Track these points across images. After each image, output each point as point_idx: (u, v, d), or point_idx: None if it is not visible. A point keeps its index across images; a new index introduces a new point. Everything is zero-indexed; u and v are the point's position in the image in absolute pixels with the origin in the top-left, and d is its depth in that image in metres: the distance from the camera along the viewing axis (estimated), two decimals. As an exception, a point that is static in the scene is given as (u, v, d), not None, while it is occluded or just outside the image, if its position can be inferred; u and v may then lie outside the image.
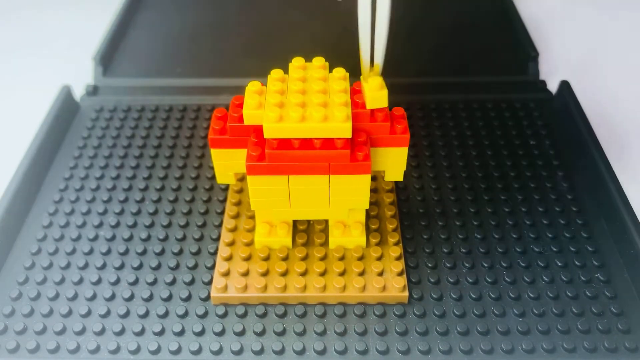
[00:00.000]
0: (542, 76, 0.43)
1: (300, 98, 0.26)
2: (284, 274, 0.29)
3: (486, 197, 0.34)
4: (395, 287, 0.28)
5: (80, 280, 0.30)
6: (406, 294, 0.28)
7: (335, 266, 0.29)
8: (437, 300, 0.29)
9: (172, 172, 0.36)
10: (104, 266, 0.31)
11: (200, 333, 0.28)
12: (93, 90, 0.42)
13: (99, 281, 0.30)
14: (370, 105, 0.26)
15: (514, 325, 0.28)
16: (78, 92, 0.42)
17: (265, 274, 0.29)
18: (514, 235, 0.32)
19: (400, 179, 0.29)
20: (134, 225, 0.33)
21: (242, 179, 0.34)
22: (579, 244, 0.31)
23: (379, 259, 0.30)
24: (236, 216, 0.32)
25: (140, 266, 0.31)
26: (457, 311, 0.28)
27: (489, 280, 0.30)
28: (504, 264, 0.30)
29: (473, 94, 0.41)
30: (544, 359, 0.27)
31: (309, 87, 0.27)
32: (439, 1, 0.51)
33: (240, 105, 0.28)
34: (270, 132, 0.26)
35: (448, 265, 0.31)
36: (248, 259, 0.30)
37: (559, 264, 0.30)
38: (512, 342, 0.27)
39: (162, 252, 0.32)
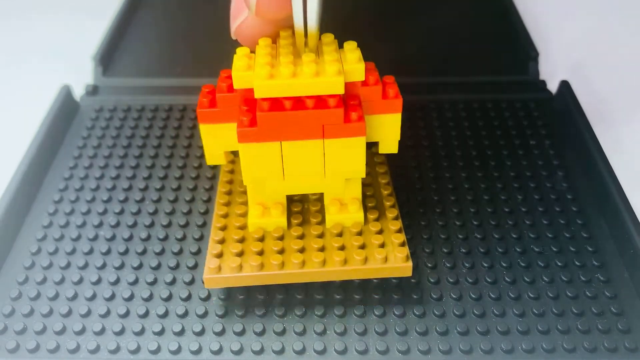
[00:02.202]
0: (542, 76, 0.43)
1: (291, 58, 0.26)
2: (281, 251, 0.28)
3: (486, 197, 0.34)
4: (399, 256, 0.28)
5: (80, 280, 0.30)
6: (410, 264, 0.28)
7: (334, 241, 0.29)
8: (437, 300, 0.29)
9: (172, 172, 0.36)
10: (103, 266, 0.31)
11: (200, 333, 0.28)
12: (93, 90, 0.42)
13: (98, 281, 0.30)
14: (346, 78, 0.26)
15: (514, 325, 0.28)
16: (78, 92, 0.42)
17: (260, 252, 0.28)
18: (514, 235, 0.32)
19: (395, 150, 0.29)
20: (134, 225, 0.33)
21: (232, 161, 0.33)
22: (579, 244, 0.31)
23: (379, 232, 0.29)
24: (227, 204, 0.31)
25: (140, 266, 0.31)
26: (457, 311, 0.28)
27: (489, 280, 0.30)
28: (504, 264, 0.30)
29: (473, 94, 0.41)
30: (543, 359, 0.27)
31: (299, 49, 0.27)
32: (439, 1, 0.51)
33: (229, 77, 0.27)
34: (261, 90, 0.25)
35: (448, 265, 0.31)
36: (242, 240, 0.29)
37: (559, 263, 0.30)
38: (512, 342, 0.27)
39: (162, 251, 0.32)
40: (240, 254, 0.28)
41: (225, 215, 0.31)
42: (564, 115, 0.39)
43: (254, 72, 0.26)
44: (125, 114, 0.40)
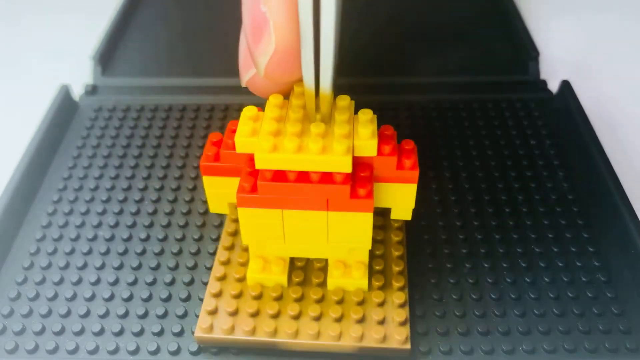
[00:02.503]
0: (543, 76, 0.43)
1: (299, 127, 0.24)
2: (276, 316, 0.27)
3: (486, 197, 0.34)
4: (397, 338, 0.26)
5: (79, 281, 0.30)
6: (408, 346, 0.26)
7: (332, 310, 0.27)
8: (437, 301, 0.29)
9: (171, 172, 0.36)
10: (102, 266, 0.31)
11: (200, 333, 0.28)
12: (92, 90, 0.42)
13: (98, 281, 0.30)
14: (356, 153, 0.25)
15: (515, 326, 0.28)
16: (77, 92, 0.42)
17: (255, 314, 0.27)
18: (515, 236, 0.32)
19: (409, 217, 0.27)
20: (133, 225, 0.33)
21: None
22: (580, 245, 0.31)
23: (381, 304, 0.27)
24: (230, 247, 0.30)
25: (140, 266, 0.31)
26: (458, 312, 0.28)
27: (490, 280, 0.30)
28: (505, 265, 0.30)
29: (473, 94, 0.41)
30: (544, 360, 0.27)
31: (309, 113, 0.25)
32: (439, 1, 0.51)
33: (235, 131, 0.26)
34: (263, 162, 0.24)
35: (448, 265, 0.30)
36: (238, 296, 0.28)
37: (560, 264, 0.30)
38: (512, 342, 0.27)
39: (162, 252, 0.31)
40: (234, 314, 0.27)
41: (226, 262, 0.29)
42: (564, 115, 0.39)
43: (257, 139, 0.24)
44: (124, 114, 0.40)
